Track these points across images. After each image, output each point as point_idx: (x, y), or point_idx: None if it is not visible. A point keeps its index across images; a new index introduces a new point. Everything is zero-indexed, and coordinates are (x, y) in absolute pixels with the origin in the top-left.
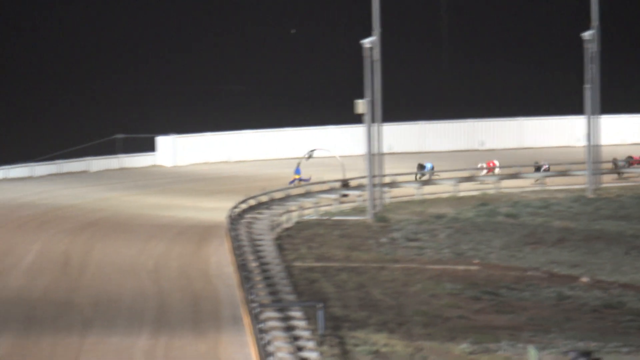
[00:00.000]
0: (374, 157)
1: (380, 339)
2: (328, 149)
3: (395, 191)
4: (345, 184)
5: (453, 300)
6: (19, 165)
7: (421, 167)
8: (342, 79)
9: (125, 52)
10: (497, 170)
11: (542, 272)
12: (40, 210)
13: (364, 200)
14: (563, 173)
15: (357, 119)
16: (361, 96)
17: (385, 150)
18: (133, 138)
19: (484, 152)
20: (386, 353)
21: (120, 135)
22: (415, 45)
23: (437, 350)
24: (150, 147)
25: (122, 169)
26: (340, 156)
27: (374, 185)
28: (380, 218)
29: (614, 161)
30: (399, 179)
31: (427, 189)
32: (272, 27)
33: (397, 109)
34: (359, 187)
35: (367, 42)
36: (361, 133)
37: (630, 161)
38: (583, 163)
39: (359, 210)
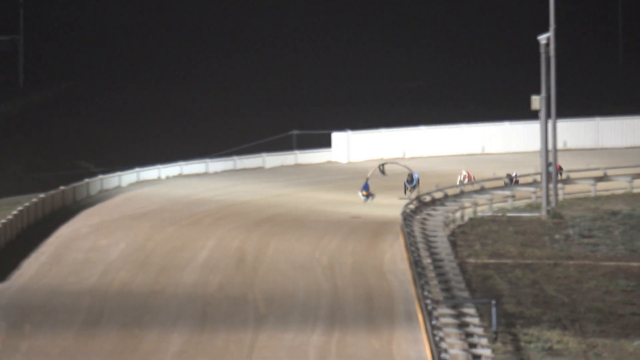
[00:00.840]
0: (549, 154)
1: (553, 336)
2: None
3: (569, 187)
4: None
5: (627, 297)
6: (194, 161)
7: (410, 178)
8: (518, 74)
9: (302, 49)
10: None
11: None
12: (215, 206)
13: (538, 197)
14: None
15: (532, 115)
16: (537, 92)
17: (559, 146)
18: (308, 134)
19: None
20: (559, 350)
21: (295, 132)
22: (590, 40)
23: (611, 347)
24: (325, 143)
25: (297, 165)
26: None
27: (548, 182)
28: (555, 214)
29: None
30: (574, 175)
31: (601, 185)
32: (444, 22)
33: (572, 104)
34: (534, 183)
35: (542, 37)
36: (536, 129)
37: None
38: None
39: (534, 207)
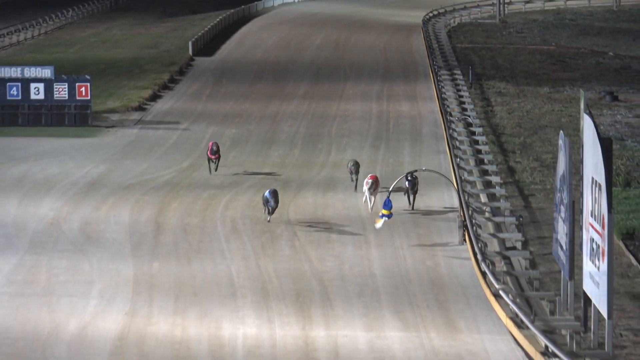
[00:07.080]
0: None
1: (501, 85)
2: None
3: (511, 7)
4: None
5: (541, 65)
6: None
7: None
8: None
9: None
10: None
11: (586, 49)
12: (322, 17)
13: (494, 12)
14: None
15: None
16: None
17: None
18: None
19: None
20: (505, 92)
21: None
22: None
23: (532, 91)
24: None
25: None
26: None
27: (500, 4)
28: (503, 21)
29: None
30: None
31: (528, 5)
32: None
33: None
34: (492, 4)
35: None
36: None
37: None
38: None
39: (491, 17)
